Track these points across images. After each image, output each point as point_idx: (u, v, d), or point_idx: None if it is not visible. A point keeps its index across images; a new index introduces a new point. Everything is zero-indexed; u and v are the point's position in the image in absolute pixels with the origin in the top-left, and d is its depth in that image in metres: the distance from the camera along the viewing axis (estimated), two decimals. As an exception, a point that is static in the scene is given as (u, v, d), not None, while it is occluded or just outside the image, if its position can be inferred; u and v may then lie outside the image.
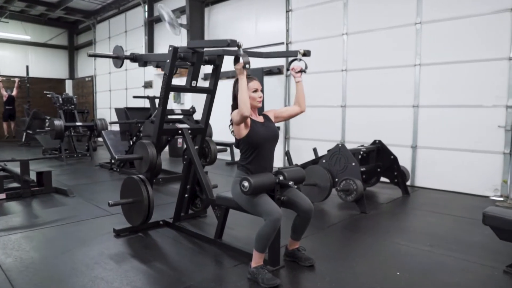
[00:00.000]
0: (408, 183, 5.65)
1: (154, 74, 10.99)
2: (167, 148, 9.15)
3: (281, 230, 2.77)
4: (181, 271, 2.87)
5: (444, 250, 3.26)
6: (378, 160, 5.41)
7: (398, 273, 2.80)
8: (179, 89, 3.79)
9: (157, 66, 4.04)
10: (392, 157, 5.31)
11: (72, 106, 9.30)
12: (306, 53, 3.04)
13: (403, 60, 6.10)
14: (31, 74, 13.96)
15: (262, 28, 8.36)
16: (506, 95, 5.14)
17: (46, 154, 9.31)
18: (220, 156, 5.39)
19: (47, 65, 15.64)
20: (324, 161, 4.87)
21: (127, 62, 4.25)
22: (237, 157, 8.40)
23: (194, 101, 8.43)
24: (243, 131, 2.71)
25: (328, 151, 4.91)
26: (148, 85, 11.47)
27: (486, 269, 2.89)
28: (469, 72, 5.44)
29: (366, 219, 4.28)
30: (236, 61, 2.62)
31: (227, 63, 3.92)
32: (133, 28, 12.35)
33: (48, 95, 9.64)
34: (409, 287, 2.60)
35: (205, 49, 3.57)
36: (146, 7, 11.48)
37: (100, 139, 9.42)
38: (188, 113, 6.29)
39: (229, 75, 8.34)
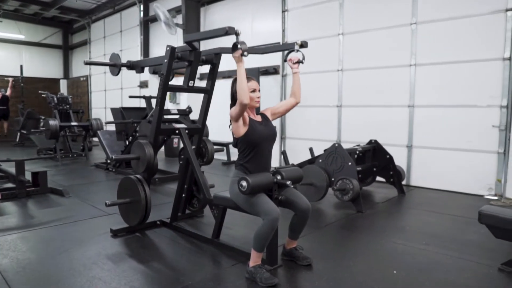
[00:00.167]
0: (403, 182, 5.69)
1: (149, 74, 10.96)
2: (162, 148, 9.14)
3: (278, 230, 2.78)
4: (179, 271, 2.87)
5: (440, 249, 3.30)
6: (374, 159, 5.45)
7: (395, 272, 2.82)
8: (177, 89, 3.79)
9: (153, 72, 4.03)
10: (387, 156, 5.35)
11: (67, 106, 9.25)
12: (304, 44, 3.04)
13: (399, 60, 6.14)
14: (25, 74, 13.86)
15: (258, 28, 8.36)
16: (500, 95, 5.19)
17: (40, 154, 9.26)
18: (216, 156, 5.39)
19: (41, 65, 15.53)
20: (320, 160, 4.89)
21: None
22: (233, 157, 8.42)
23: (189, 101, 8.43)
24: (242, 129, 2.71)
25: (325, 150, 4.93)
26: (143, 84, 11.43)
27: (482, 267, 2.92)
28: (464, 72, 5.49)
29: (363, 218, 4.31)
30: (234, 48, 2.59)
31: (223, 63, 3.94)
32: (129, 28, 12.31)
33: (43, 95, 9.58)
34: (406, 285, 2.62)
35: (202, 49, 3.57)
36: (142, 6, 11.44)
37: (95, 139, 9.39)
38: (185, 113, 6.28)
39: (225, 75, 8.35)
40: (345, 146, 4.93)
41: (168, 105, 9.67)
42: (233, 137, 2.80)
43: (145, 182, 3.59)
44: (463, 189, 5.53)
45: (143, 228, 3.79)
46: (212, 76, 3.79)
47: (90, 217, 4.28)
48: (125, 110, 7.37)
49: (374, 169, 5.46)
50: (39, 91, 10.75)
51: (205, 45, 7.59)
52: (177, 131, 3.84)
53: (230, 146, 8.36)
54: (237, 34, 2.64)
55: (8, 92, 12.59)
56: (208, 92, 3.85)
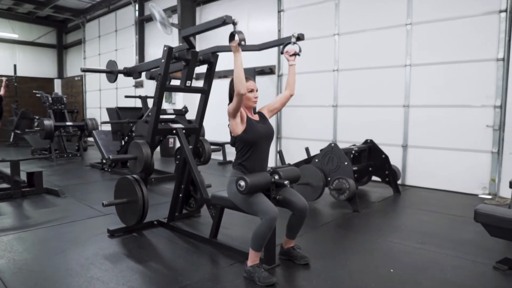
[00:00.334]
0: (399, 182, 5.74)
1: (146, 79, 10.92)
2: (158, 148, 9.12)
3: (276, 229, 2.80)
4: (177, 271, 2.87)
5: (436, 247, 3.33)
6: (370, 159, 5.48)
7: (391, 270, 2.85)
8: (174, 89, 3.78)
9: (150, 78, 4.03)
10: (383, 156, 5.38)
11: (62, 106, 9.19)
12: (300, 37, 3.05)
13: (394, 61, 6.18)
14: (19, 73, 13.74)
15: (254, 28, 8.37)
16: (494, 95, 5.24)
17: (35, 155, 9.20)
18: (212, 155, 5.40)
19: (35, 64, 15.42)
20: (316, 160, 4.92)
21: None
22: (229, 157, 8.43)
23: (185, 101, 8.42)
24: (239, 127, 2.72)
25: (321, 150, 4.95)
26: (138, 84, 11.40)
27: (477, 265, 2.96)
28: (458, 72, 5.54)
29: (359, 217, 4.34)
30: (231, 38, 2.58)
31: (219, 62, 3.94)
32: (124, 28, 12.26)
33: (37, 95, 9.52)
34: (402, 284, 2.65)
35: (199, 49, 3.57)
36: (137, 6, 11.40)
37: (90, 139, 9.34)
38: (181, 113, 6.29)
39: (220, 74, 8.35)
40: (341, 146, 4.96)
41: (164, 105, 9.63)
42: (231, 135, 2.81)
43: (142, 182, 3.58)
44: (457, 188, 5.58)
45: (140, 228, 3.78)
46: (209, 76, 3.79)
47: (86, 217, 4.27)
48: (121, 110, 7.35)
49: (370, 168, 5.49)
50: (34, 91, 10.68)
51: (202, 46, 7.60)
52: (174, 131, 3.84)
53: (226, 146, 8.37)
54: (234, 23, 2.64)
55: (2, 92, 12.43)
56: (205, 92, 3.85)
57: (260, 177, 2.70)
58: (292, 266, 2.91)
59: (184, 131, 3.88)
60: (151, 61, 4.04)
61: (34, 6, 13.31)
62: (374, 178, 5.72)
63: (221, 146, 8.26)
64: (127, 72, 4.02)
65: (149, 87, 9.46)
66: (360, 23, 6.57)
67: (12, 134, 11.87)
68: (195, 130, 4.02)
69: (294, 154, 6.70)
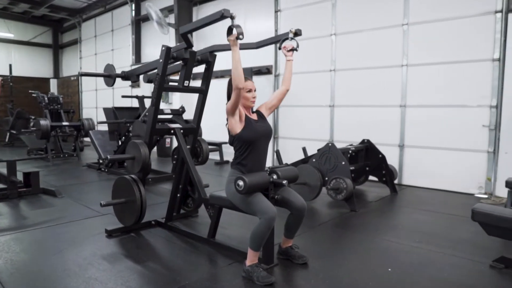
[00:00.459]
0: (396, 181, 5.76)
1: (143, 82, 10.90)
2: (155, 148, 9.11)
3: (274, 229, 2.80)
4: (175, 271, 2.87)
5: (433, 246, 3.35)
6: (367, 159, 5.50)
7: (389, 270, 2.87)
8: (172, 89, 3.78)
9: (148, 81, 4.01)
10: (380, 156, 5.40)
11: (58, 106, 9.15)
12: (298, 32, 3.05)
13: (391, 61, 6.20)
14: (14, 73, 13.68)
15: (251, 28, 8.37)
16: (490, 95, 5.28)
17: (31, 155, 9.17)
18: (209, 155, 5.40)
19: (31, 64, 15.34)
20: (314, 160, 4.93)
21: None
22: (226, 157, 8.43)
23: (182, 101, 8.41)
24: (238, 126, 2.72)
25: (318, 150, 4.97)
26: (135, 84, 11.34)
27: (474, 264, 2.98)
28: (454, 72, 5.57)
29: (356, 217, 4.35)
30: (229, 32, 2.58)
31: (216, 62, 3.94)
32: (120, 27, 12.22)
33: (33, 95, 9.47)
34: (400, 282, 2.66)
35: (196, 49, 3.57)
36: (133, 6, 11.38)
37: (86, 139, 9.31)
38: (178, 113, 6.27)
39: (217, 74, 8.34)
40: (338, 145, 4.97)
41: (161, 105, 9.63)
42: (229, 134, 2.81)
43: (140, 182, 3.58)
44: (454, 188, 5.61)
45: (138, 228, 3.78)
46: (207, 75, 3.79)
47: (83, 217, 4.25)
48: (118, 110, 7.33)
49: (367, 168, 5.51)
50: (30, 91, 10.63)
51: (200, 46, 7.59)
52: (172, 131, 3.84)
53: (223, 146, 8.37)
54: (232, 17, 2.64)
55: (-3, 92, 12.43)
56: (203, 92, 3.85)
57: (259, 177, 2.71)
58: (290, 266, 2.92)
59: (182, 131, 3.88)
60: (148, 63, 4.03)
61: (30, 6, 13.24)
62: (371, 177, 5.74)
63: (218, 146, 8.26)
64: (125, 76, 4.02)
65: (146, 87, 9.43)
66: (356, 23, 6.59)
67: (8, 134, 11.80)
68: (193, 130, 4.02)
69: (291, 154, 6.71)
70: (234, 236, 3.57)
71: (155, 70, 3.75)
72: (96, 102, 13.56)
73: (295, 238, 3.10)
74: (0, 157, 7.82)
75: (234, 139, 2.80)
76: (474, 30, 5.38)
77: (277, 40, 3.25)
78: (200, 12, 9.62)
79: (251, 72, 8.02)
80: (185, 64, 3.56)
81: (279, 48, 3.07)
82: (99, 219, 4.17)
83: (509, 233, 2.67)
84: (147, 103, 7.39)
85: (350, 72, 6.73)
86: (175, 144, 9.49)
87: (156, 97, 3.51)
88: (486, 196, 5.27)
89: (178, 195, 3.95)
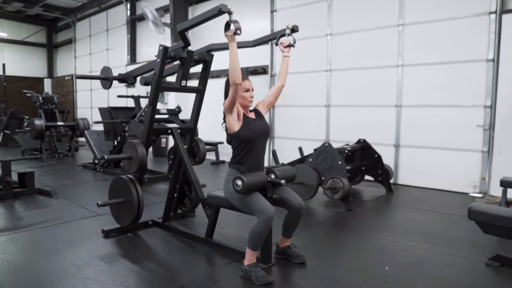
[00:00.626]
0: (391, 181, 5.80)
1: (140, 85, 10.87)
2: (150, 148, 9.07)
3: (272, 228, 2.80)
4: (173, 271, 2.87)
5: (429, 245, 3.38)
6: (363, 158, 5.53)
7: (386, 268, 2.88)
8: (170, 89, 3.78)
9: (145, 84, 4.01)
10: (376, 155, 5.43)
11: (53, 106, 9.09)
12: (295, 28, 3.06)
13: (386, 61, 6.24)
14: (7, 73, 13.57)
15: (247, 28, 8.26)
16: (484, 96, 5.33)
17: (25, 155, 9.09)
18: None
19: (24, 63, 15.24)
20: (310, 160, 4.94)
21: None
22: (222, 157, 8.42)
23: (178, 100, 8.39)
24: (236, 124, 2.73)
25: (315, 150, 4.98)
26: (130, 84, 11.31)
27: (470, 262, 3.01)
28: (449, 73, 5.62)
29: (353, 216, 4.37)
30: (226, 28, 2.58)
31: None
32: (115, 27, 12.17)
33: (27, 94, 9.40)
34: (398, 281, 2.68)
35: (193, 49, 3.57)
36: (128, 5, 11.34)
37: (81, 139, 9.26)
38: (174, 113, 6.25)
39: (213, 74, 8.33)
40: (334, 145, 4.99)
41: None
42: (227, 133, 2.82)
43: (137, 182, 3.57)
44: (448, 187, 5.66)
45: (135, 228, 3.76)
46: (205, 75, 3.79)
47: (79, 218, 4.23)
48: (113, 110, 7.30)
49: (363, 168, 5.54)
50: (24, 91, 10.55)
51: (196, 45, 7.57)
52: (169, 131, 3.83)
53: (219, 146, 8.37)
54: (230, 12, 2.64)
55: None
56: (200, 92, 3.85)
57: (257, 177, 2.71)
58: (288, 265, 2.93)
59: (179, 130, 3.87)
60: (145, 64, 4.02)
61: (23, 5, 13.17)
62: (367, 177, 5.77)
63: (214, 146, 8.25)
64: (122, 78, 4.00)
65: (141, 87, 9.38)
66: (352, 24, 6.62)
67: (1, 134, 11.70)
68: (190, 129, 4.02)
69: (287, 154, 6.72)
70: (232, 236, 3.57)
71: (152, 72, 3.74)
72: (91, 102, 13.49)
73: (293, 238, 3.11)
74: (-6, 157, 7.76)
75: (232, 138, 2.80)
76: (469, 31, 5.43)
77: (274, 37, 3.25)
78: (196, 12, 9.60)
79: (247, 72, 8.03)
80: (182, 63, 3.55)
81: (276, 44, 3.08)
82: (95, 220, 4.16)
83: (505, 232, 2.70)
84: (143, 103, 7.39)
85: (346, 72, 6.76)
86: (170, 144, 9.47)
87: (153, 97, 3.50)
88: (480, 195, 5.32)
89: (175, 195, 3.94)
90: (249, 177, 2.64)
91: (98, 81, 4.50)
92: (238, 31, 2.53)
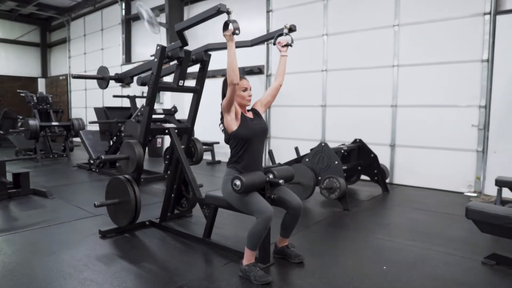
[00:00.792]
0: (387, 180, 5.82)
1: (137, 85, 10.82)
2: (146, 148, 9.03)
3: (270, 228, 2.81)
4: (172, 271, 2.86)
5: (426, 244, 3.40)
6: (359, 158, 5.55)
7: (384, 267, 2.90)
8: (167, 89, 3.76)
9: (142, 84, 3.99)
10: (372, 155, 5.45)
11: (48, 106, 9.03)
12: (292, 28, 3.07)
13: (382, 61, 6.27)
14: (1, 72, 13.50)
15: (243, 28, 8.24)
16: (479, 96, 5.38)
17: (19, 155, 9.02)
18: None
19: (18, 63, 15.11)
20: (307, 159, 4.95)
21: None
22: (218, 157, 8.42)
23: (173, 100, 8.37)
24: (234, 123, 2.73)
25: (311, 149, 4.99)
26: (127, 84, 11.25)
27: (466, 261, 3.04)
28: (444, 73, 5.66)
29: (349, 216, 4.39)
30: (225, 27, 2.58)
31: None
32: (110, 26, 12.12)
33: (21, 94, 9.32)
34: (396, 280, 2.70)
35: (191, 48, 3.56)
36: (123, 4, 11.29)
37: (76, 139, 9.20)
38: (170, 113, 6.23)
39: (209, 74, 8.32)
40: (330, 145, 5.01)
41: (151, 104, 9.56)
42: (225, 133, 2.82)
43: (134, 182, 3.55)
44: (444, 187, 5.70)
45: (132, 228, 3.75)
46: (202, 75, 3.79)
47: (76, 218, 4.20)
48: (109, 110, 7.27)
49: (359, 167, 5.56)
50: (18, 90, 10.46)
51: (193, 46, 7.55)
52: (166, 131, 3.82)
53: (215, 146, 8.35)
54: (228, 12, 2.64)
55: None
56: (197, 92, 3.84)
57: (255, 177, 2.71)
58: (287, 265, 2.94)
59: (176, 131, 3.86)
60: (142, 64, 4.01)
61: (17, 4, 13.04)
62: (363, 177, 5.79)
63: (210, 146, 8.24)
64: (119, 78, 3.98)
65: (136, 87, 9.34)
66: (348, 24, 6.65)
67: (-5, 134, 11.59)
68: (187, 129, 4.01)
69: (283, 154, 6.73)
70: (229, 236, 3.57)
71: (149, 72, 3.72)
72: (86, 102, 13.41)
73: (290, 237, 3.12)
74: (-13, 157, 7.68)
75: (230, 137, 2.80)
76: (464, 31, 5.47)
77: (272, 37, 3.25)
78: (192, 11, 9.58)
79: (243, 72, 8.03)
80: (180, 63, 3.54)
81: (274, 44, 3.08)
82: (92, 220, 4.13)
83: (502, 230, 2.72)
84: (138, 103, 7.36)
85: (342, 72, 6.79)
86: (166, 144, 9.44)
87: (151, 97, 3.49)
88: (475, 194, 5.36)
89: (173, 195, 3.93)
90: (247, 177, 2.64)
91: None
92: (237, 31, 2.53)
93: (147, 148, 9.23)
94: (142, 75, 4.12)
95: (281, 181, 2.75)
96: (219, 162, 8.47)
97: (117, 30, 11.66)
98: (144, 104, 3.64)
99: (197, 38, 8.80)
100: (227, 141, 2.87)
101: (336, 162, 4.70)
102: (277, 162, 6.01)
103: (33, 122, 7.91)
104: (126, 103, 8.54)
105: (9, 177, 5.22)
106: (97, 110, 7.38)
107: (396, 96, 6.16)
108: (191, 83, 3.82)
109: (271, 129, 7.92)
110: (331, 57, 6.92)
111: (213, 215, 3.30)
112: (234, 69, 2.55)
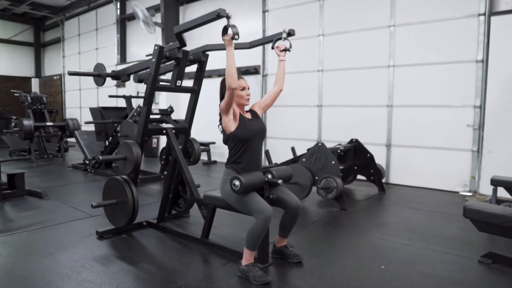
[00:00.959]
0: (383, 180, 5.85)
1: (134, 82, 10.77)
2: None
3: (269, 228, 2.81)
4: (170, 271, 2.86)
5: (423, 243, 3.42)
6: (355, 158, 5.57)
7: (382, 266, 2.92)
8: (165, 89, 3.76)
9: (139, 81, 3.97)
10: (368, 155, 5.48)
11: (42, 106, 8.96)
12: (291, 32, 3.08)
13: (378, 61, 6.30)
14: (-6, 72, 13.33)
15: (239, 28, 8.36)
16: (474, 96, 5.42)
17: (13, 156, 8.95)
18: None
19: (11, 63, 14.95)
20: (304, 159, 4.97)
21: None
22: (214, 157, 8.41)
23: (169, 101, 8.35)
24: (232, 124, 2.73)
25: (308, 149, 5.00)
26: (121, 84, 11.20)
27: (463, 260, 3.06)
28: (440, 73, 5.70)
29: (346, 215, 4.41)
30: (224, 32, 2.59)
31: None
32: (105, 26, 12.04)
33: (15, 94, 9.25)
34: (394, 279, 2.71)
35: (189, 48, 3.56)
36: (118, 4, 11.23)
37: (71, 139, 9.15)
38: (166, 113, 6.22)
39: (205, 75, 8.31)
40: (326, 145, 5.02)
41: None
42: (224, 133, 2.82)
43: (132, 182, 3.54)
44: (439, 186, 5.74)
45: (130, 229, 3.74)
46: (200, 75, 3.78)
47: (72, 219, 4.18)
48: (105, 110, 7.23)
49: (355, 167, 5.59)
50: (12, 90, 10.37)
51: (190, 46, 7.54)
52: (164, 131, 3.81)
53: (211, 146, 8.35)
54: (228, 17, 2.64)
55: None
56: (195, 92, 3.84)
57: (254, 177, 2.72)
58: (285, 265, 2.94)
59: (174, 131, 3.85)
60: (139, 62, 3.99)
61: (10, 3, 12.90)
62: (359, 176, 5.82)
63: (206, 146, 8.23)
64: (116, 75, 3.97)
65: (132, 87, 9.32)
66: (344, 24, 6.67)
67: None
68: (185, 130, 4.01)
69: (279, 154, 6.74)
70: (227, 236, 3.57)
71: (146, 70, 3.71)
72: (80, 102, 13.32)
73: (289, 237, 3.12)
74: (-19, 158, 7.60)
75: (228, 138, 2.80)
76: (459, 32, 5.52)
77: (270, 40, 3.26)
78: (187, 12, 9.56)
79: (239, 72, 8.02)
80: (177, 63, 3.53)
81: (272, 48, 3.08)
82: (88, 221, 4.11)
83: (499, 229, 2.75)
84: (134, 103, 7.33)
85: (338, 72, 6.81)
86: (162, 144, 9.41)
87: (149, 97, 3.48)
88: (470, 194, 5.41)
89: (170, 195, 3.92)
90: (246, 177, 2.64)
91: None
92: (236, 36, 2.54)
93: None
94: (140, 72, 4.10)
95: (280, 181, 2.76)
96: (215, 162, 8.46)
97: (112, 30, 11.60)
98: (140, 104, 3.63)
99: (192, 38, 8.77)
100: (225, 142, 2.87)
101: (333, 162, 4.72)
102: (273, 162, 6.03)
103: (28, 122, 7.85)
104: (121, 103, 8.50)
105: (4, 178, 5.17)
106: (92, 110, 7.34)
107: (392, 96, 6.19)
108: (186, 83, 3.80)
109: (268, 129, 7.90)
110: (327, 57, 6.94)
111: (211, 216, 3.29)
112: (233, 73, 2.55)
